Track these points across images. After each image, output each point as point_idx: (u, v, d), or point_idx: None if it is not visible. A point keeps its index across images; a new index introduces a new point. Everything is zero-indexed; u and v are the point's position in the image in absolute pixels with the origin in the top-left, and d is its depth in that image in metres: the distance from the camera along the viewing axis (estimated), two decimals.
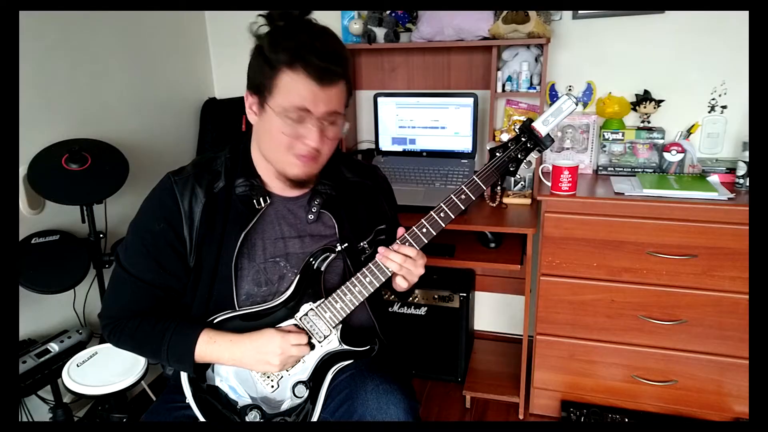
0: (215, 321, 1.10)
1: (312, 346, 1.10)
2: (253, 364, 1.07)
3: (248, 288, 1.11)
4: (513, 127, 2.13)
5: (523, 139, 1.09)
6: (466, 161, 2.15)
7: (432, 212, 1.10)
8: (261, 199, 1.11)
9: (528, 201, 2.04)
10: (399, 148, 2.23)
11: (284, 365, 1.07)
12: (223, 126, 2.41)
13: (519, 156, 1.10)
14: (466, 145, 2.15)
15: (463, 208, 1.10)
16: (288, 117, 1.00)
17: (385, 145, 2.25)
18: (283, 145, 1.02)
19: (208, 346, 1.06)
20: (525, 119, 1.11)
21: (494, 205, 2.01)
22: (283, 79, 0.98)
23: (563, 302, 1.87)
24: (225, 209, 1.10)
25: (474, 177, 1.10)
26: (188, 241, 1.08)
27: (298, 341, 1.06)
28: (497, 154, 1.10)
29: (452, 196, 1.09)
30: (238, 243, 1.08)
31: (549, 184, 1.80)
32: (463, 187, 1.09)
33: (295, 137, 1.01)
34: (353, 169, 1.24)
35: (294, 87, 0.98)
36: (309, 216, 1.14)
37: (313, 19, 1.04)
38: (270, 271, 1.12)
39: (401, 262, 1.08)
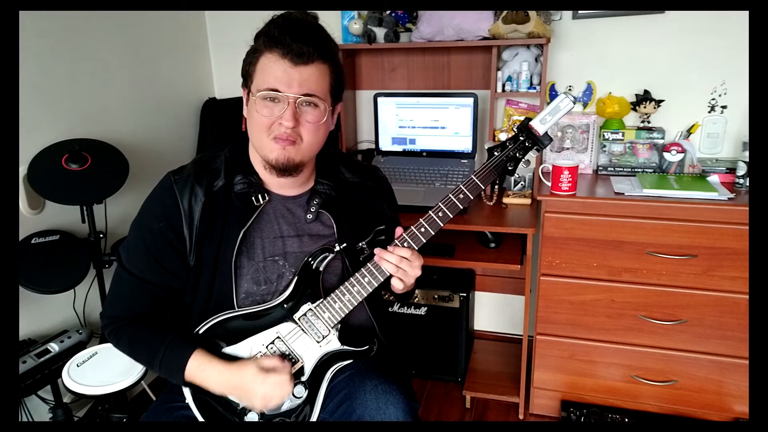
0: (210, 324, 1.09)
1: (297, 375, 1.08)
2: (238, 398, 1.08)
3: (247, 287, 1.11)
4: (513, 127, 2.12)
5: (521, 138, 1.09)
6: (466, 161, 2.15)
7: (430, 212, 1.10)
8: (259, 196, 1.11)
9: (528, 201, 2.03)
10: (399, 148, 2.23)
11: (267, 405, 1.04)
12: (223, 126, 2.42)
13: (517, 155, 1.10)
14: (466, 145, 2.15)
15: (461, 207, 1.10)
16: (265, 98, 1.02)
17: (385, 145, 2.25)
18: (264, 127, 1.03)
19: (197, 372, 1.05)
20: (524, 119, 1.11)
21: (491, 204, 2.01)
22: (261, 62, 1.02)
23: (563, 302, 1.87)
24: (224, 207, 1.10)
25: (472, 176, 1.09)
26: (188, 240, 1.09)
27: (278, 378, 1.03)
28: (495, 153, 1.10)
29: (450, 195, 1.09)
30: (238, 241, 1.08)
31: (549, 184, 1.80)
32: (461, 186, 1.09)
33: (273, 118, 1.03)
34: (353, 169, 1.24)
35: (269, 67, 1.01)
36: (308, 215, 1.14)
37: (312, 14, 1.06)
38: (269, 270, 1.12)
39: (397, 263, 1.08)
